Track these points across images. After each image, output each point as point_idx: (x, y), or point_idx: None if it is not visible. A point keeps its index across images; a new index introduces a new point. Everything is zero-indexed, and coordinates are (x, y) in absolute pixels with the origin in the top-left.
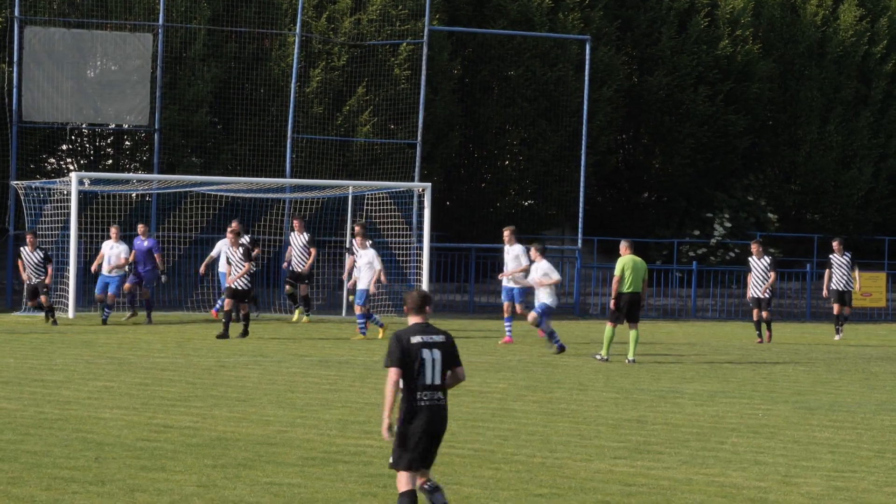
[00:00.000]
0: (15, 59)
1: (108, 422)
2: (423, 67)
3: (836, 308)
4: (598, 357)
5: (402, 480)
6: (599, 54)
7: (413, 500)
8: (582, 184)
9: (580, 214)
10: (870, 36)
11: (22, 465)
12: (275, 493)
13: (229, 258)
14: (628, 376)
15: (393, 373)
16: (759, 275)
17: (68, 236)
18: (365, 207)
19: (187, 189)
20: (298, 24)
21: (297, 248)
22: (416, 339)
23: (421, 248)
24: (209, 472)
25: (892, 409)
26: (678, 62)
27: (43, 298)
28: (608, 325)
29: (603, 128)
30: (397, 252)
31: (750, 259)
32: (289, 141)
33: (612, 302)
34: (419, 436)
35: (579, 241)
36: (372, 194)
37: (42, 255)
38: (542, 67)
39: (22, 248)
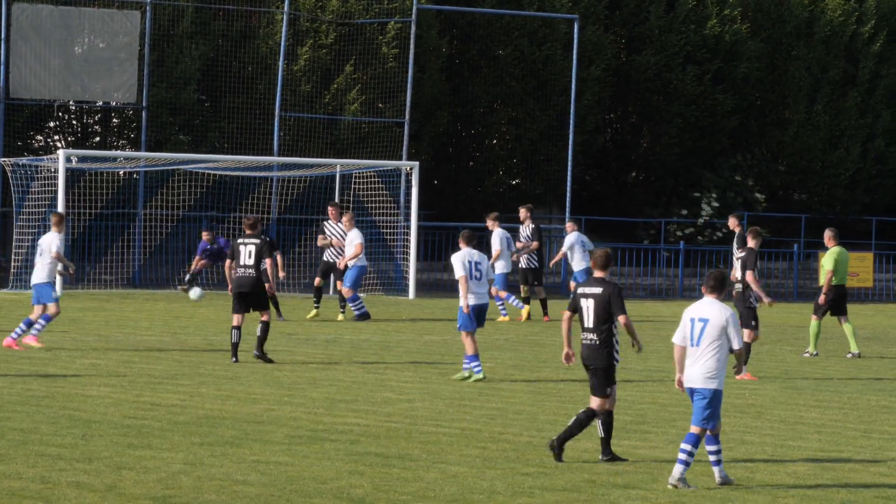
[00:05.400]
0: (2, 35)
1: (95, 399)
2: (412, 46)
3: None
4: (807, 353)
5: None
6: (588, 33)
7: (590, 415)
8: (570, 163)
9: (568, 193)
10: (857, 16)
11: (8, 442)
12: (262, 471)
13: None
14: None
15: (564, 314)
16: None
17: None
18: (353, 186)
19: (175, 167)
20: (287, 2)
21: (337, 238)
22: (580, 290)
23: (408, 227)
24: (196, 450)
25: (879, 389)
26: (666, 41)
27: (339, 283)
28: (814, 320)
29: (591, 107)
30: (385, 230)
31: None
32: (276, 119)
33: (821, 297)
34: (583, 363)
35: (567, 220)
36: (360, 173)
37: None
38: (530, 46)
39: (325, 223)
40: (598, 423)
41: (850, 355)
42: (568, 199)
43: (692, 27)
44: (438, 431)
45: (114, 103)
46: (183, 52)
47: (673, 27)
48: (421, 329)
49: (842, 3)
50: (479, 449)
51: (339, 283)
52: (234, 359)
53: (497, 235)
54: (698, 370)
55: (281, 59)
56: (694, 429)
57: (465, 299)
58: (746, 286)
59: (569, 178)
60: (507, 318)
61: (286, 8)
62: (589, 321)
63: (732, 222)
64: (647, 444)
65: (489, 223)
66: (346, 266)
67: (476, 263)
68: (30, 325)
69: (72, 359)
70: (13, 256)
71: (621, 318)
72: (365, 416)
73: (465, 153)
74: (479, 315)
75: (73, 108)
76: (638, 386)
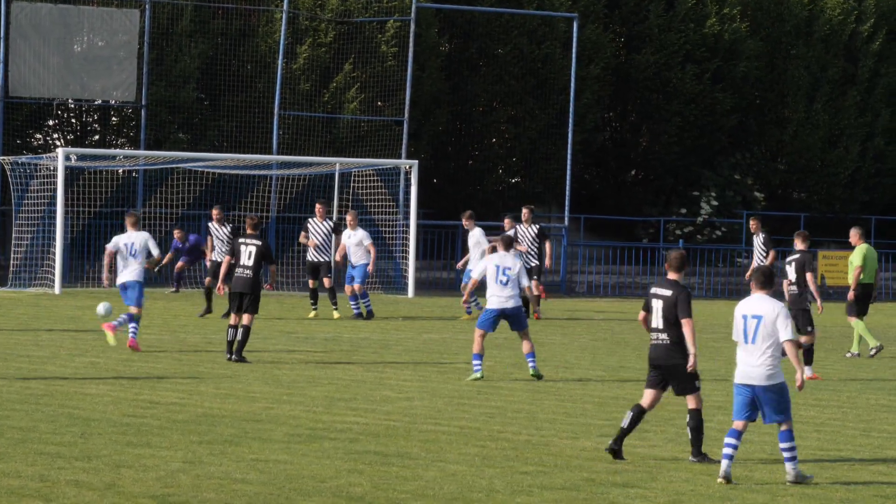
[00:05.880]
0: (2, 33)
1: (94, 397)
2: (411, 44)
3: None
4: (872, 352)
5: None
6: (587, 32)
7: (638, 413)
8: (569, 161)
9: (567, 192)
10: (857, 15)
11: (7, 440)
12: (261, 470)
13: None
14: (614, 354)
15: (640, 314)
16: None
17: (55, 212)
18: (352, 185)
19: (174, 165)
20: (286, 0)
21: (322, 237)
22: (652, 290)
23: (407, 226)
24: (195, 449)
25: (878, 388)
26: (665, 40)
27: (326, 281)
28: (855, 319)
29: (590, 106)
30: (384, 229)
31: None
32: (275, 117)
33: (850, 294)
34: (649, 363)
35: (566, 219)
36: (359, 171)
37: (231, 230)
38: (529, 45)
39: (210, 224)
40: (627, 414)
41: (849, 354)
42: (567, 197)
43: (691, 26)
44: (437, 430)
45: (113, 102)
46: (182, 51)
47: (672, 26)
48: (420, 328)
49: (841, 1)
50: (478, 447)
51: (326, 279)
52: (228, 356)
53: (480, 234)
54: (758, 369)
55: (280, 57)
56: (782, 426)
57: (465, 295)
58: (803, 289)
59: (568, 177)
60: (471, 316)
61: (285, 6)
62: (658, 322)
63: (755, 225)
64: (645, 443)
65: (467, 222)
66: (364, 265)
67: (505, 269)
68: (131, 318)
69: (71, 357)
70: (12, 255)
71: (684, 322)
72: (364, 415)
73: (464, 152)
74: (504, 318)
75: (73, 106)
76: (636, 385)
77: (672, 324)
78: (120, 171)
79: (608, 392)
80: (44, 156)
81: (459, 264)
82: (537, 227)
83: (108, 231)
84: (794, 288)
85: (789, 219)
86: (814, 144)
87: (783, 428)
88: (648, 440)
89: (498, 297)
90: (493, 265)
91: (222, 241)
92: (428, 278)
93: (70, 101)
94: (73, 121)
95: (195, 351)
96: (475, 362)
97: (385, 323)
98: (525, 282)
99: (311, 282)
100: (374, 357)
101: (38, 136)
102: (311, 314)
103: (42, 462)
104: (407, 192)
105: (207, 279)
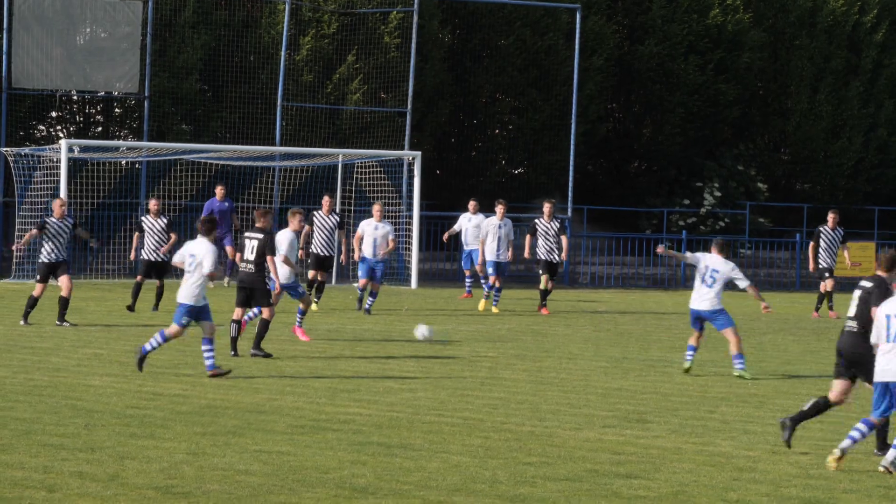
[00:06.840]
0: (4, 25)
1: (97, 389)
2: (414, 35)
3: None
4: None
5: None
6: (590, 23)
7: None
8: (572, 153)
9: (570, 183)
10: (860, 5)
11: (11, 431)
12: (264, 461)
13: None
14: (617, 345)
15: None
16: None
17: None
18: (355, 176)
19: (177, 157)
20: None
21: (327, 231)
22: (860, 283)
23: (410, 217)
24: (199, 440)
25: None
26: (669, 31)
27: (321, 274)
28: None
29: (593, 97)
30: (387, 220)
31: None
32: (278, 108)
33: None
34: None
35: (569, 210)
36: (362, 163)
37: (166, 223)
38: (532, 36)
39: (143, 218)
40: (810, 399)
41: None
42: (570, 188)
43: (694, 17)
44: (441, 421)
45: (116, 93)
46: (185, 42)
47: (675, 17)
48: (423, 318)
49: None
50: (481, 438)
51: (321, 273)
52: (232, 352)
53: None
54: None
55: (283, 48)
56: (874, 419)
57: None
58: None
59: (571, 168)
60: (471, 295)
61: None
62: (853, 310)
63: (834, 218)
64: (649, 434)
65: (503, 209)
66: (380, 258)
67: (713, 270)
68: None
69: (74, 349)
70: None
71: (874, 309)
72: (367, 406)
73: (467, 143)
74: (701, 319)
75: (76, 97)
76: (640, 376)
77: (862, 314)
78: (123, 162)
79: (611, 383)
80: (47, 147)
81: (445, 235)
82: (559, 222)
83: (111, 222)
84: None
85: (792, 209)
86: (817, 135)
87: (875, 420)
88: (652, 431)
89: (695, 297)
90: (703, 265)
91: (158, 236)
92: (431, 269)
93: (73, 92)
94: (76, 112)
95: (199, 342)
96: (687, 352)
97: (388, 314)
98: (742, 283)
99: (311, 273)
100: (378, 348)
101: (41, 127)
102: (314, 306)
103: (46, 453)
104: (410, 183)
105: (139, 276)
